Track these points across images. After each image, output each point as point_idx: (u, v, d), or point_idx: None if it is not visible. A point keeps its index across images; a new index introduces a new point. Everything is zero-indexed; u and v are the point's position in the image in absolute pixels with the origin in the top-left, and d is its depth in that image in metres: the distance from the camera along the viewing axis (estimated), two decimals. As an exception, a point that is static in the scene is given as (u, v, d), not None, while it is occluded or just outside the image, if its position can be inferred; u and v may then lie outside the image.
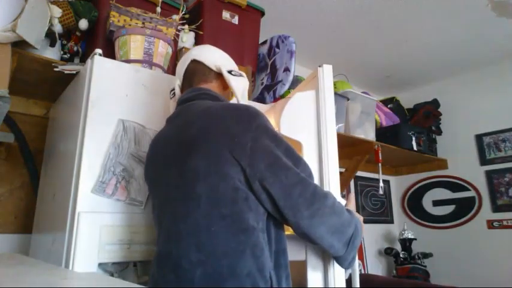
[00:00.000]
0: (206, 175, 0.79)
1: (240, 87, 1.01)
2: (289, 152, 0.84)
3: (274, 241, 0.82)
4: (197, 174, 0.79)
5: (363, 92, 2.41)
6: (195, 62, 1.02)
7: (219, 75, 1.02)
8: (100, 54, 1.11)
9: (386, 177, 3.04)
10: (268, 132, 0.83)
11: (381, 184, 2.23)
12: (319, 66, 1.16)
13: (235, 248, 0.76)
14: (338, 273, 1.01)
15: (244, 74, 1.06)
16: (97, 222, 0.98)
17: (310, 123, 1.11)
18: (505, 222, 2.44)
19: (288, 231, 0.87)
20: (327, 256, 1.01)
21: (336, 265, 0.97)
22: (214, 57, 1.03)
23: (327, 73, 1.15)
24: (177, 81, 1.05)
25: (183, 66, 1.03)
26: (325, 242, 0.84)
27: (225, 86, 1.03)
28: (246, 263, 0.75)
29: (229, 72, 1.01)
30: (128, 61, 1.23)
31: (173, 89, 1.06)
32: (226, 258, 0.75)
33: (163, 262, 0.81)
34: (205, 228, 0.77)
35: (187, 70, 1.02)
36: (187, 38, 1.53)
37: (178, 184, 0.83)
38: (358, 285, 1.13)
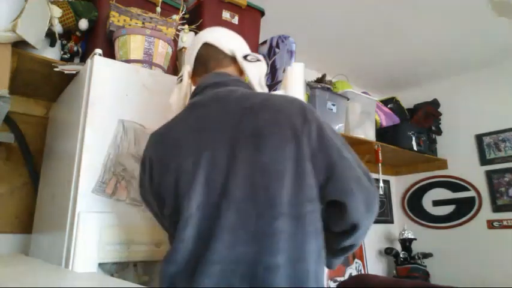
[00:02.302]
0: (282, 173, 0.73)
1: (257, 75, 0.95)
2: (345, 144, 0.81)
3: None
4: (271, 170, 0.73)
5: (363, 92, 2.41)
6: (207, 46, 0.94)
7: (234, 60, 0.95)
8: (100, 54, 1.11)
9: (386, 177, 3.04)
10: (328, 126, 0.81)
11: (381, 184, 2.24)
12: (289, 66, 1.13)
13: (314, 252, 0.72)
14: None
15: (261, 57, 0.98)
16: (97, 222, 0.98)
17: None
18: (505, 222, 2.44)
19: None
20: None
21: None
22: (229, 40, 0.97)
23: (297, 71, 1.11)
24: (186, 67, 0.97)
25: (193, 50, 0.96)
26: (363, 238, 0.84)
27: (241, 71, 0.96)
28: (322, 267, 0.73)
29: (245, 57, 0.94)
30: (128, 61, 1.23)
31: (181, 76, 0.98)
32: (305, 263, 0.70)
33: (228, 269, 0.69)
34: (284, 230, 0.70)
35: (200, 54, 0.94)
36: (187, 38, 1.53)
37: (245, 180, 0.74)
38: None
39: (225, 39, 0.97)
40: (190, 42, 1.54)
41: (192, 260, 0.72)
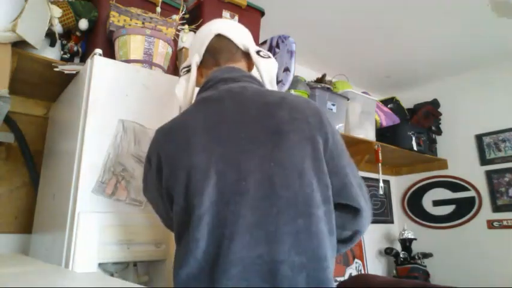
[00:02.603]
0: (302, 171, 0.73)
1: (269, 71, 0.92)
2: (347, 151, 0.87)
3: None
4: (291, 168, 0.73)
5: (363, 92, 2.41)
6: (220, 37, 0.91)
7: (246, 55, 0.93)
8: (100, 54, 1.10)
9: (386, 177, 3.04)
10: (338, 133, 0.85)
11: (381, 184, 2.23)
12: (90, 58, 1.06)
13: (331, 251, 0.72)
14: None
15: (272, 55, 0.96)
16: (97, 222, 0.98)
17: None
18: (505, 222, 2.44)
19: None
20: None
21: None
22: (242, 34, 0.94)
23: (97, 66, 1.06)
24: (195, 56, 0.93)
25: (204, 40, 0.92)
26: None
27: (250, 67, 0.95)
28: (333, 267, 0.73)
29: (258, 53, 0.92)
30: (128, 61, 1.23)
31: (188, 66, 0.94)
32: (326, 262, 0.70)
33: (249, 269, 0.67)
34: (305, 229, 0.70)
35: (212, 45, 0.91)
36: (187, 38, 1.53)
37: (263, 178, 0.72)
38: None
39: (239, 32, 0.94)
40: (192, 38, 1.53)
41: (208, 260, 0.69)
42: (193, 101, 0.91)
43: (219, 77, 0.87)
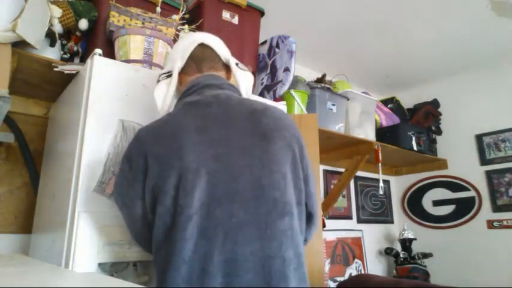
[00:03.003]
0: (285, 175, 0.81)
1: (245, 83, 0.98)
2: None
3: None
4: (277, 171, 0.80)
5: (363, 92, 2.42)
6: (203, 46, 0.96)
7: (225, 67, 0.99)
8: (100, 54, 1.10)
9: (386, 177, 3.04)
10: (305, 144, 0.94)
11: (381, 184, 2.23)
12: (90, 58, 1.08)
13: (302, 249, 0.81)
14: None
15: (248, 69, 1.03)
16: (97, 222, 0.98)
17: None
18: (505, 222, 2.44)
19: None
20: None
21: None
22: (223, 46, 1.00)
23: (97, 66, 1.05)
24: (177, 62, 0.96)
25: (188, 48, 0.95)
26: None
27: (228, 78, 1.00)
28: None
29: (236, 65, 0.98)
30: (128, 61, 1.23)
31: (169, 72, 0.96)
32: (303, 258, 0.79)
33: (242, 266, 0.71)
34: (290, 226, 0.77)
35: (195, 53, 0.95)
36: (187, 38, 1.53)
37: (252, 180, 0.77)
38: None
39: (220, 45, 1.00)
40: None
41: (197, 259, 0.71)
42: (171, 106, 0.95)
43: (204, 83, 0.91)
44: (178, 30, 1.45)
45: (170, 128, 0.82)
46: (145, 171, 0.80)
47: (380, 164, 2.24)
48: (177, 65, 0.95)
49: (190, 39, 0.98)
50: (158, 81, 0.97)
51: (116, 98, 1.09)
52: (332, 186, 2.49)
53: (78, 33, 1.41)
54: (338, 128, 2.10)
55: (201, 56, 0.95)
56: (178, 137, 0.80)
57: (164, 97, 0.95)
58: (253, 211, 0.75)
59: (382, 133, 2.43)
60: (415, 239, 2.60)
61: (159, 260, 0.76)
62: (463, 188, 2.68)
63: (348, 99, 2.20)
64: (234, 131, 0.82)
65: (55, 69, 1.21)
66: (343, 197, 2.65)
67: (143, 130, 0.86)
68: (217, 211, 0.74)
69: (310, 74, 2.44)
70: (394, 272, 2.56)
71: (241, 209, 0.74)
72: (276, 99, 1.70)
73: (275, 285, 0.71)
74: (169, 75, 0.96)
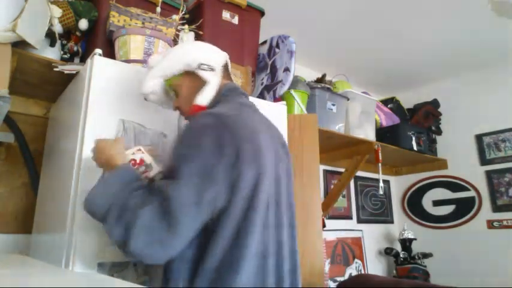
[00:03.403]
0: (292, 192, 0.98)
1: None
2: None
3: None
4: (291, 186, 0.96)
5: (363, 92, 2.42)
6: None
7: None
8: (100, 54, 1.10)
9: (386, 177, 3.04)
10: None
11: (381, 184, 2.23)
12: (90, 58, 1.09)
13: None
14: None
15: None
16: (97, 222, 0.97)
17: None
18: (505, 222, 2.44)
19: None
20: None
21: None
22: None
23: (97, 66, 1.07)
24: (226, 58, 1.02)
25: (223, 55, 1.01)
26: None
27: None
28: None
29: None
30: (128, 61, 1.23)
31: (210, 65, 0.94)
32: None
33: (266, 267, 0.79)
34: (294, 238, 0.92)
35: (226, 63, 1.02)
36: (187, 38, 1.52)
37: (287, 187, 0.93)
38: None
39: None
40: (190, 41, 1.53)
41: (266, 257, 0.80)
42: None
43: (241, 91, 0.99)
44: (178, 30, 1.45)
45: (251, 125, 0.84)
46: (234, 165, 0.76)
47: (380, 164, 2.24)
48: (219, 63, 0.96)
49: (215, 48, 1.01)
50: (199, 69, 0.94)
51: (116, 98, 1.09)
52: (332, 186, 2.49)
53: (78, 33, 1.41)
54: (338, 128, 2.10)
55: (228, 67, 1.03)
56: (256, 137, 0.82)
57: (211, 91, 0.93)
58: (288, 216, 0.90)
59: (382, 133, 2.43)
60: (415, 239, 2.60)
61: (220, 258, 0.75)
62: (463, 188, 2.68)
63: (348, 99, 2.20)
64: (274, 138, 0.93)
65: (55, 69, 1.21)
66: (343, 197, 2.65)
67: (230, 118, 0.82)
68: (274, 215, 0.84)
69: (310, 74, 2.44)
70: (394, 272, 2.56)
71: (285, 214, 0.88)
72: (276, 99, 1.70)
73: None
74: (211, 69, 0.94)
